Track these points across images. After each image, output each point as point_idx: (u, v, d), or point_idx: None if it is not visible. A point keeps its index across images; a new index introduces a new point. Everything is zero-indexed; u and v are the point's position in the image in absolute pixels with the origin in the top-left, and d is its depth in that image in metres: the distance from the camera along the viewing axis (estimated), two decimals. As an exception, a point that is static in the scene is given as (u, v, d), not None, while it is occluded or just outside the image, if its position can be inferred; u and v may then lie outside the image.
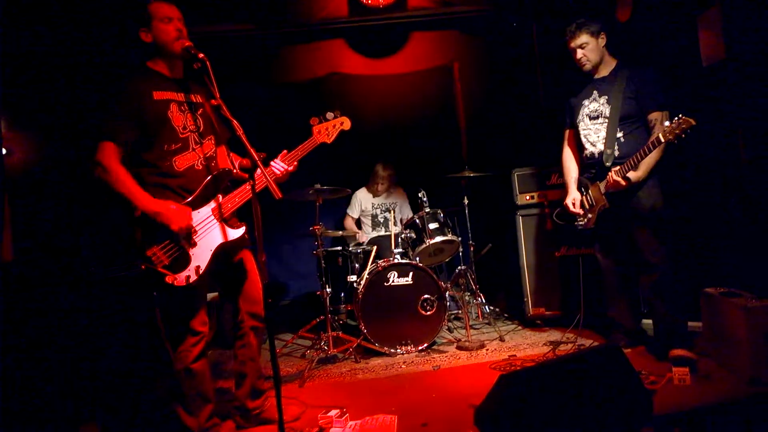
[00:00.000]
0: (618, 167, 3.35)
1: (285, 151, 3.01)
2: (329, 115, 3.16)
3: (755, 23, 3.30)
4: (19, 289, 3.61)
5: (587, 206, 3.69)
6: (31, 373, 3.41)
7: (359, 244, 5.16)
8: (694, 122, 2.97)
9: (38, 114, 4.12)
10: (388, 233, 4.98)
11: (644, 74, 3.47)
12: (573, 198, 3.76)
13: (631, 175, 3.34)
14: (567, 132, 3.91)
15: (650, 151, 3.19)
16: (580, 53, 3.60)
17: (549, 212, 4.51)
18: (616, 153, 3.46)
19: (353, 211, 5.69)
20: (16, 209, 3.89)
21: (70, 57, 4.24)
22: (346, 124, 3.20)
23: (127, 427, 3.24)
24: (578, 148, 3.81)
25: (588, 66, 3.62)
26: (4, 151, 3.91)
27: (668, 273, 3.41)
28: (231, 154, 2.94)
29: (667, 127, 3.05)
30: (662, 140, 3.07)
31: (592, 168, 3.65)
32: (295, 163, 3.00)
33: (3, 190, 3.63)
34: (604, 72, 3.63)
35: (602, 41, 3.58)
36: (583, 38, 3.55)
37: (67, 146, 4.16)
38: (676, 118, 3.02)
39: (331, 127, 3.15)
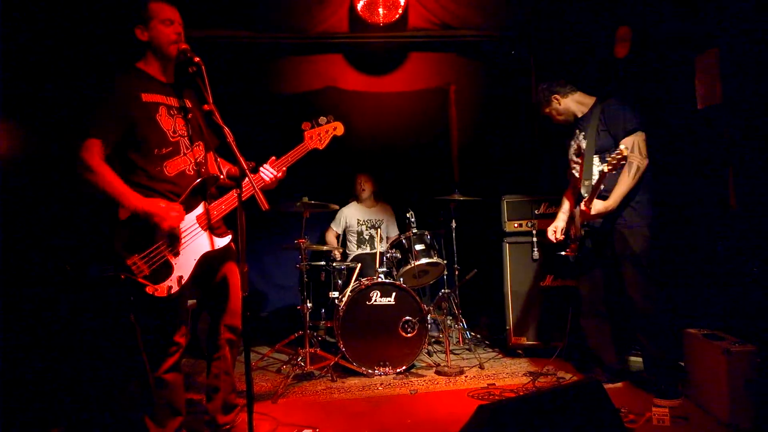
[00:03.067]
0: (585, 198, 3.45)
1: (273, 157, 2.94)
2: (322, 119, 3.08)
3: (754, 69, 3.31)
4: (4, 285, 3.52)
5: (572, 236, 3.75)
6: (17, 369, 3.32)
7: (344, 260, 5.11)
8: (625, 153, 3.04)
9: (31, 106, 4.03)
10: (373, 251, 4.94)
11: (610, 106, 3.58)
12: (554, 226, 3.89)
13: (598, 204, 3.40)
14: (568, 171, 3.99)
15: (598, 181, 3.28)
16: (555, 117, 3.83)
17: (538, 241, 4.50)
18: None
19: (337, 226, 5.65)
20: (2, 203, 3.80)
21: (63, 47, 4.17)
22: (339, 129, 3.13)
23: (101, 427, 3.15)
24: (573, 187, 3.91)
25: (567, 121, 3.82)
26: None
27: (651, 311, 3.40)
28: (219, 160, 2.87)
29: (609, 157, 3.13)
30: (605, 170, 3.16)
31: (579, 201, 3.68)
32: (284, 169, 2.93)
33: None
34: (584, 111, 3.75)
35: (557, 100, 3.77)
36: (553, 105, 3.79)
37: (52, 139, 4.07)
38: (617, 150, 3.10)
39: (323, 133, 3.07)
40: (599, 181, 3.29)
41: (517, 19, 5.03)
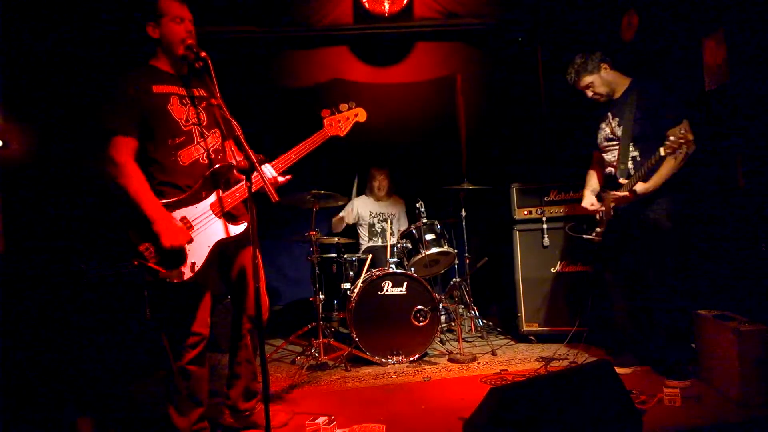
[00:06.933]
0: (627, 180, 3.35)
1: (293, 147, 2.92)
2: (343, 106, 3.02)
3: (761, 47, 3.29)
4: (13, 282, 3.59)
5: (597, 219, 3.72)
6: (25, 365, 3.38)
7: (355, 251, 5.14)
8: (691, 137, 2.94)
9: (37, 107, 4.09)
10: (384, 244, 4.97)
11: (649, 92, 3.44)
12: (589, 202, 3.73)
13: (638, 187, 3.31)
14: (594, 154, 3.89)
15: (654, 165, 3.19)
16: (590, 93, 3.63)
17: (548, 227, 4.51)
18: (632, 171, 3.44)
19: (347, 214, 5.63)
20: (10, 202, 3.87)
21: (72, 50, 4.22)
22: (362, 115, 3.07)
23: (119, 421, 3.21)
24: (602, 168, 3.80)
25: (603, 99, 3.62)
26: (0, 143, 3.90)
27: (663, 295, 3.39)
28: (234, 149, 2.86)
29: (668, 141, 2.97)
30: (662, 154, 3.02)
31: (608, 186, 3.64)
32: (287, 170, 2.88)
33: None
34: (618, 93, 3.60)
35: (606, 70, 3.57)
36: (587, 80, 3.58)
37: (66, 141, 4.14)
38: (680, 132, 2.97)
39: (344, 120, 3.02)
40: (648, 165, 3.18)
41: (523, 6, 5.03)
